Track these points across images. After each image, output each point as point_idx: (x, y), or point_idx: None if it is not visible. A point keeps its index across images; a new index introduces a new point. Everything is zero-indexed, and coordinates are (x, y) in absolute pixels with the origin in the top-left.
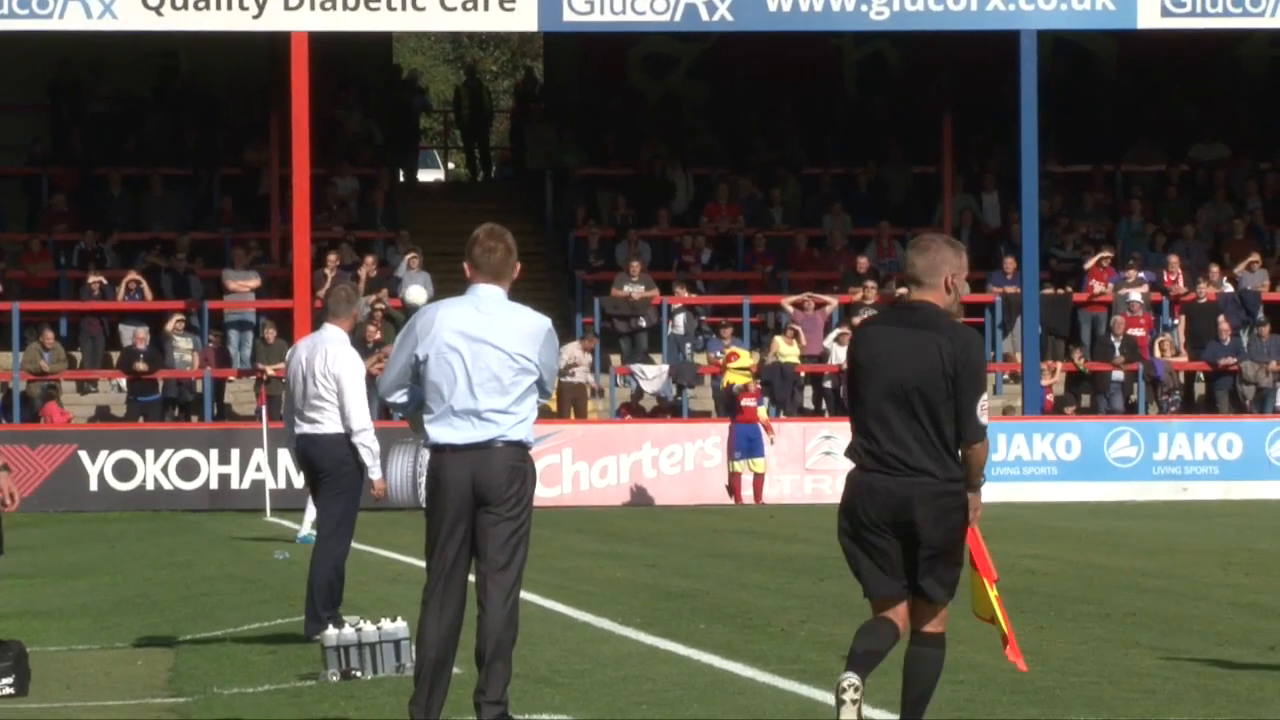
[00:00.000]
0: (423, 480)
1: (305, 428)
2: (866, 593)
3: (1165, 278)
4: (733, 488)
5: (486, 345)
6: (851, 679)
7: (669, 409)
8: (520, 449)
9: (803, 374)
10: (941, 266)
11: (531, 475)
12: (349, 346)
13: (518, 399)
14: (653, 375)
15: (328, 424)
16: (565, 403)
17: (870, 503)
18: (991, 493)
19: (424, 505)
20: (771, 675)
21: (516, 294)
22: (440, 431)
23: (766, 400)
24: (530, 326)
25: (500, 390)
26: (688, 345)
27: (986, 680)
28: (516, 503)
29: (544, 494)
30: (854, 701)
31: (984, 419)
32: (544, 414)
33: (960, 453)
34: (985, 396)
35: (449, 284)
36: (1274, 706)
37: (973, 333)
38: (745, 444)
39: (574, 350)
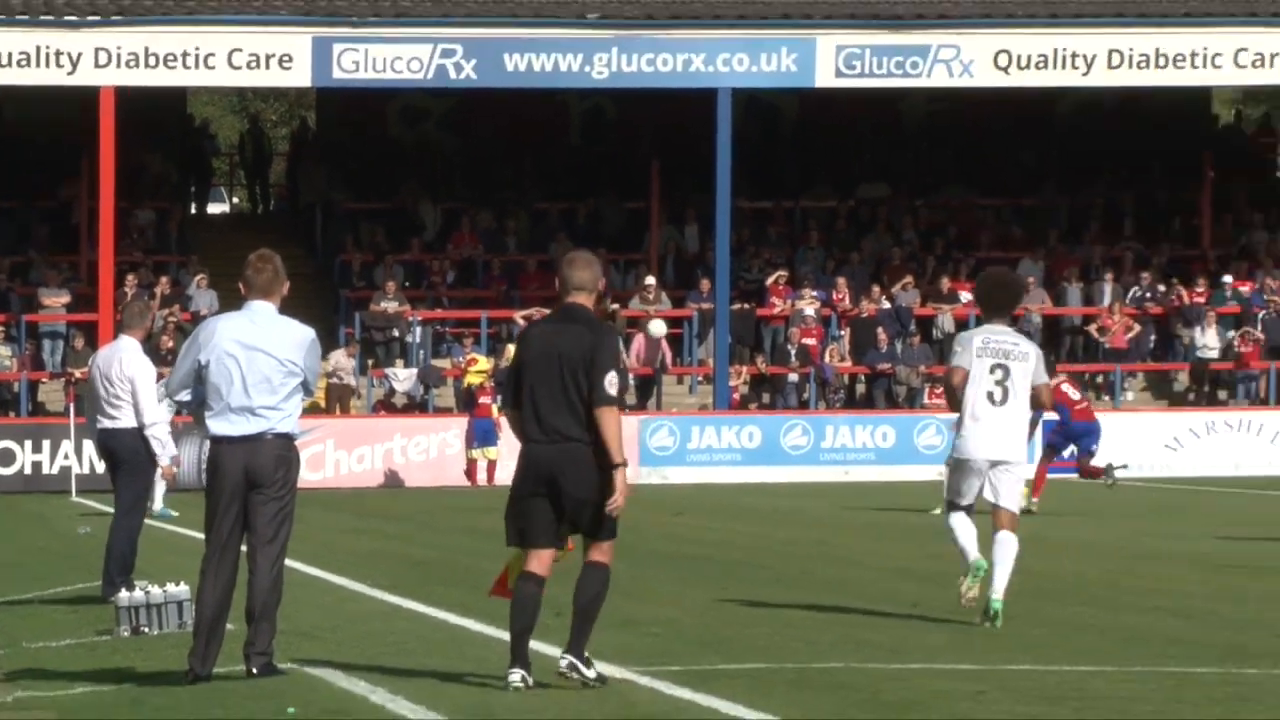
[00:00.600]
0: (205, 467)
1: (105, 423)
2: (525, 542)
3: (834, 296)
4: (470, 473)
5: (259, 352)
6: (516, 676)
7: (417, 406)
8: (287, 440)
9: None
10: (599, 277)
11: (296, 462)
12: (142, 354)
13: (285, 397)
14: (404, 377)
15: (124, 419)
16: (332, 400)
17: (532, 469)
18: (688, 476)
19: (204, 487)
20: (498, 629)
21: (289, 309)
22: (219, 425)
23: (499, 398)
24: (297, 336)
25: (271, 390)
26: (432, 352)
27: (676, 633)
28: (283, 485)
29: (308, 478)
30: (528, 687)
31: (611, 391)
32: (312, 409)
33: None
34: (614, 373)
35: (232, 300)
36: (910, 655)
37: (607, 326)
38: (481, 435)
39: (339, 356)
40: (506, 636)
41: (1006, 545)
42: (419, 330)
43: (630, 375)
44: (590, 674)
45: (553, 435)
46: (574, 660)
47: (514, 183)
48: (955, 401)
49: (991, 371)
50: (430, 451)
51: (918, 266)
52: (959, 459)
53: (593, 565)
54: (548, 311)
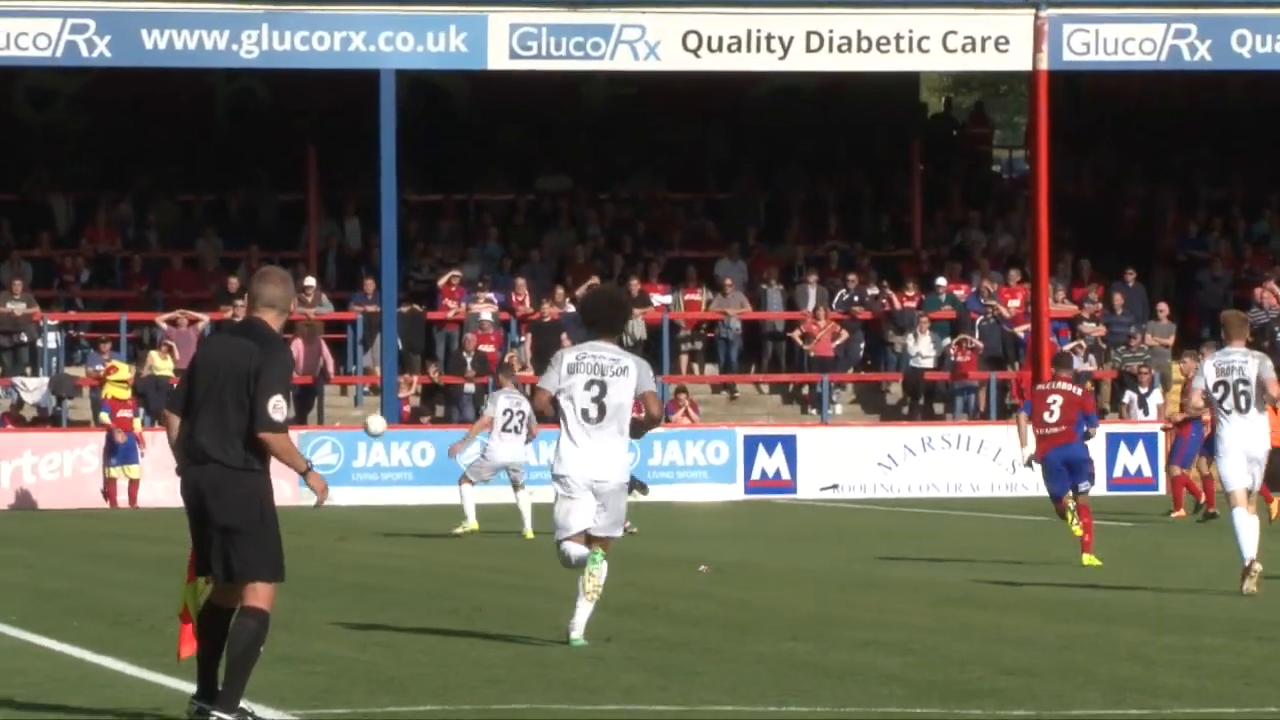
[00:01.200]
0: None
1: None
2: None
3: (514, 298)
4: (109, 493)
5: None
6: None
7: (49, 419)
8: None
9: (175, 385)
10: (292, 295)
11: None
12: None
13: None
14: (34, 387)
15: None
16: None
17: (183, 490)
18: (353, 496)
19: None
20: (140, 669)
21: None
22: None
23: (142, 411)
24: None
25: None
26: (66, 359)
27: (342, 671)
28: None
29: None
30: None
31: (276, 415)
32: None
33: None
34: (280, 397)
35: None
36: (605, 694)
37: (283, 344)
38: (122, 451)
39: None
40: (147, 675)
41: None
42: (51, 335)
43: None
44: None
45: (197, 455)
46: (210, 708)
47: (155, 171)
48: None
49: (587, 388)
50: (64, 469)
51: (604, 265)
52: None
53: (245, 612)
54: (198, 317)
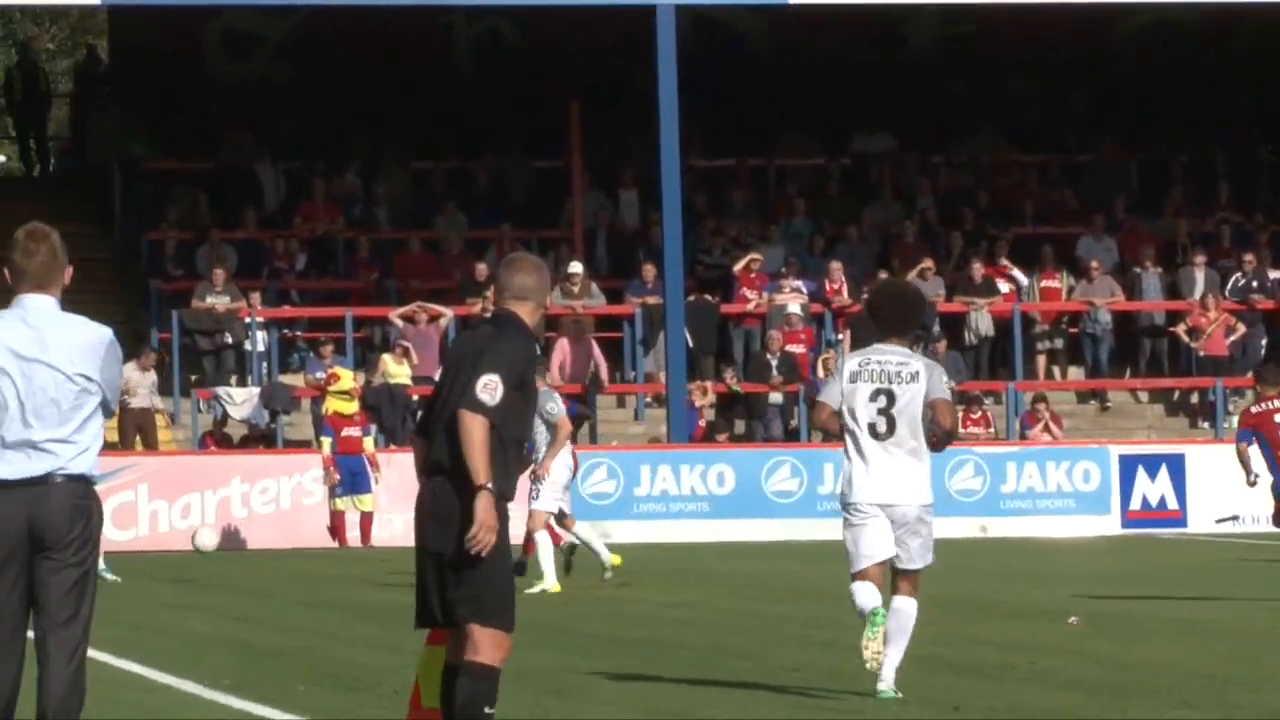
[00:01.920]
0: None
1: None
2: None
3: (827, 286)
4: (336, 529)
5: (41, 365)
6: None
7: (261, 438)
8: (83, 484)
9: (415, 397)
10: (547, 286)
11: (97, 514)
12: None
13: (79, 426)
14: (241, 399)
15: None
16: (129, 432)
17: (415, 517)
18: (635, 532)
19: None
20: None
21: (79, 306)
22: None
23: (374, 428)
24: (88, 340)
25: (59, 417)
26: (280, 365)
27: None
28: (81, 546)
29: (115, 537)
30: None
31: (483, 395)
32: (108, 445)
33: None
34: (495, 376)
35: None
36: None
37: (523, 329)
38: (349, 478)
39: (130, 371)
40: None
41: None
42: (260, 335)
43: (558, 397)
44: None
45: (430, 467)
46: None
47: (383, 134)
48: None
49: (873, 399)
50: (280, 500)
51: (938, 245)
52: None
53: (464, 670)
54: (439, 312)
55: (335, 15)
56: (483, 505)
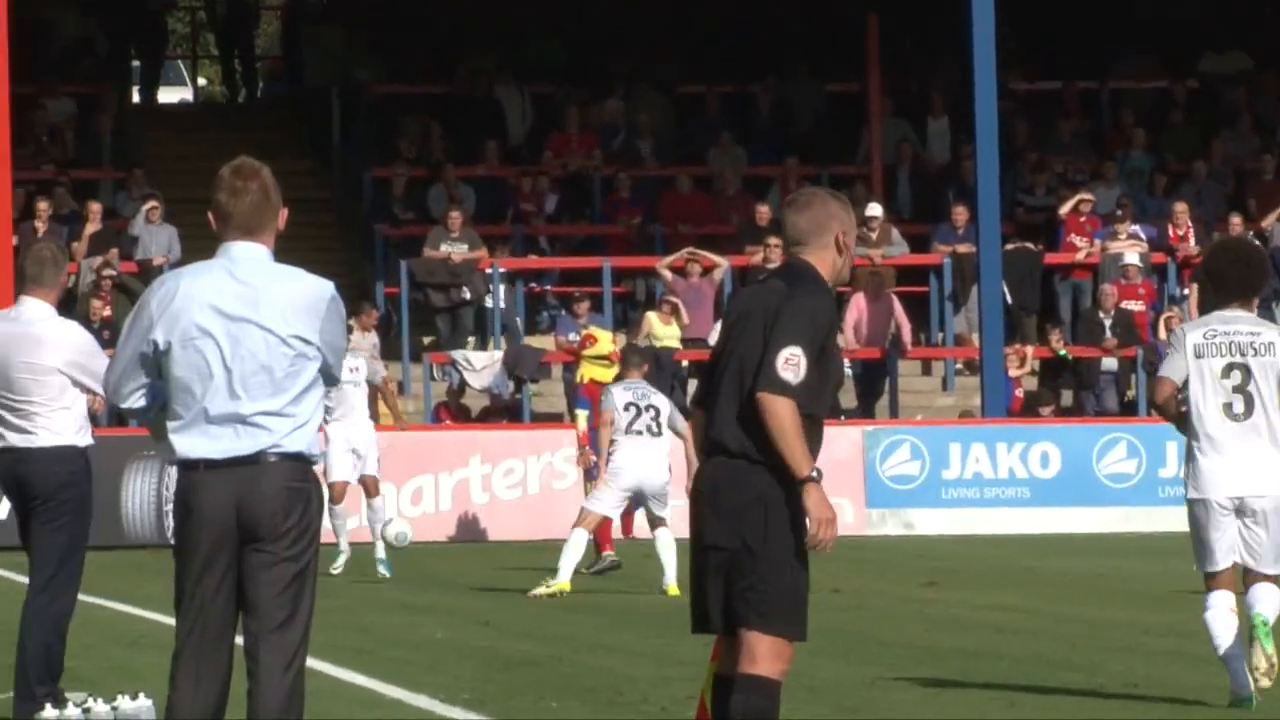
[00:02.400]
0: (170, 508)
1: (12, 439)
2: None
3: (1170, 232)
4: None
5: (251, 325)
6: None
7: (504, 410)
8: (301, 464)
9: (685, 362)
10: (829, 223)
11: (317, 499)
12: (68, 325)
13: (296, 397)
14: (481, 365)
15: (43, 434)
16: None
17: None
18: (942, 523)
19: (172, 540)
20: None
21: (291, 254)
22: (191, 443)
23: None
24: (306, 296)
25: (272, 386)
26: (526, 325)
27: None
28: (298, 537)
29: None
30: None
31: (786, 373)
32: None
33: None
34: (798, 349)
35: (203, 243)
36: None
37: (821, 284)
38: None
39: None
40: None
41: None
42: (503, 290)
43: (846, 362)
44: None
45: (709, 448)
46: None
47: (645, 54)
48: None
49: (1225, 374)
50: (528, 484)
51: None
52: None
53: (740, 685)
54: (714, 262)
55: None
56: (814, 499)
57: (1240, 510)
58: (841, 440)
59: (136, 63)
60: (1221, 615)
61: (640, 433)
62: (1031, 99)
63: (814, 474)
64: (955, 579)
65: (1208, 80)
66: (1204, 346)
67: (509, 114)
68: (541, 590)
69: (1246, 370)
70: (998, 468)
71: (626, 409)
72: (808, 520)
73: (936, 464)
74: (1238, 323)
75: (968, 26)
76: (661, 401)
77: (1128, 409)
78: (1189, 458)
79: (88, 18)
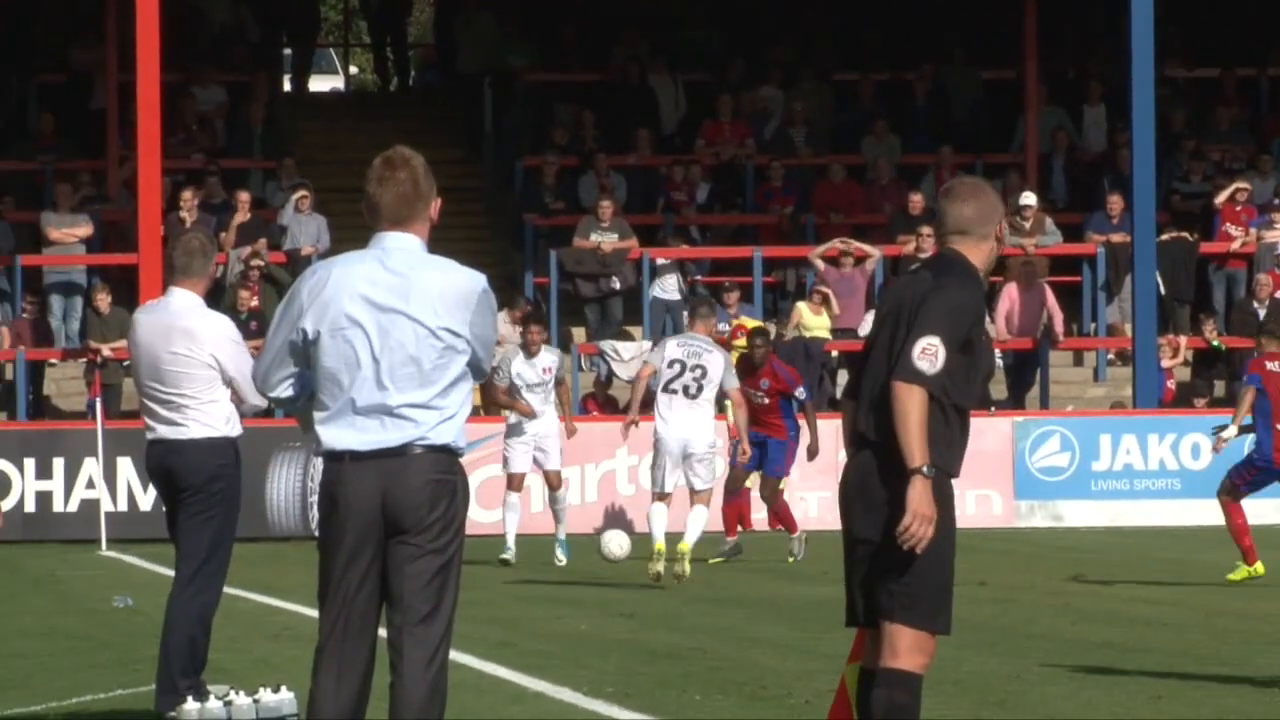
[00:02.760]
0: (314, 500)
1: (162, 430)
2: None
3: None
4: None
5: (400, 316)
6: None
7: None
8: (448, 456)
9: (835, 353)
10: (993, 214)
11: (463, 492)
12: (216, 318)
13: (444, 390)
14: (630, 356)
15: (193, 425)
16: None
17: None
18: (1092, 514)
19: (316, 532)
20: None
21: (442, 245)
22: (338, 433)
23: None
24: (458, 289)
25: (420, 378)
26: (679, 315)
27: None
28: (443, 530)
29: (480, 518)
30: None
31: (921, 363)
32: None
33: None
34: (936, 339)
35: (353, 233)
36: None
37: (971, 275)
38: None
39: (500, 325)
40: None
41: None
42: (668, 278)
43: (996, 352)
44: None
45: (856, 440)
46: None
47: (800, 40)
48: None
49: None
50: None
51: None
52: None
53: (881, 679)
54: (867, 252)
55: None
56: (917, 492)
57: None
58: (991, 432)
59: (288, 51)
60: None
61: (676, 392)
62: (1189, 86)
63: (924, 469)
64: (1103, 571)
65: None
66: None
67: (662, 102)
68: (658, 568)
69: None
70: (1148, 459)
71: (671, 365)
72: (906, 512)
73: (1086, 455)
74: None
75: (1127, 13)
76: (714, 361)
77: None
78: None
79: (239, 5)
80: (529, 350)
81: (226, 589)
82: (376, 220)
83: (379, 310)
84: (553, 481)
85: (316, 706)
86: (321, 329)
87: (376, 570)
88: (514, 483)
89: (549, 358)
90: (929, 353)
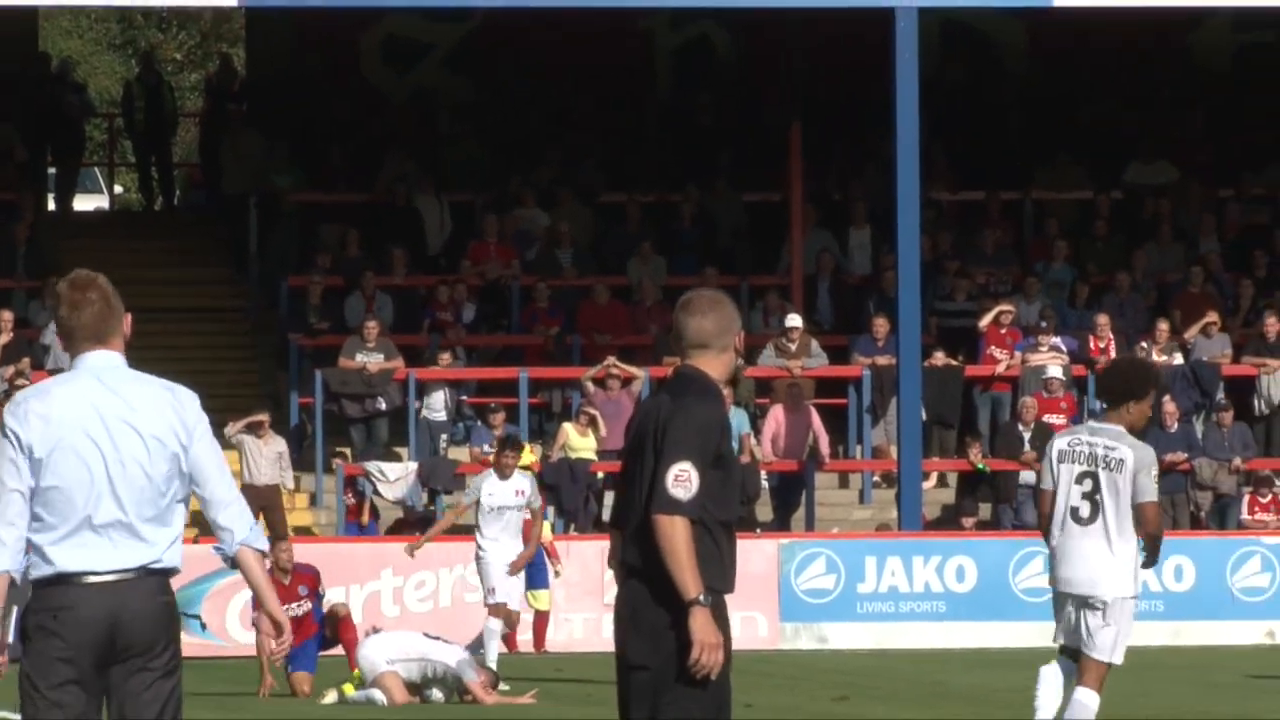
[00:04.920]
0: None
1: None
2: None
3: (1092, 344)
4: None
5: (131, 432)
6: None
7: (418, 521)
8: (167, 578)
9: (600, 474)
10: (733, 325)
11: (179, 613)
12: None
13: (169, 506)
14: (395, 477)
15: None
16: (255, 507)
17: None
18: (858, 636)
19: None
20: None
21: (207, 364)
22: (70, 555)
23: (552, 511)
24: (172, 399)
25: (156, 496)
26: (444, 436)
27: None
28: (175, 653)
29: (243, 639)
30: None
31: (676, 491)
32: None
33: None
34: (687, 464)
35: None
36: None
37: (706, 391)
38: (525, 570)
39: (253, 442)
40: None
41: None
42: (435, 398)
43: (762, 474)
44: None
45: (626, 570)
46: None
47: (567, 162)
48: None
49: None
50: (440, 596)
51: (1225, 296)
52: None
53: None
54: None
55: (516, 19)
56: (699, 623)
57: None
58: (756, 553)
59: (52, 170)
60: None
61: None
62: (954, 208)
63: (701, 597)
64: (868, 694)
65: (1132, 191)
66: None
67: (427, 222)
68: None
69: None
70: (914, 581)
71: (489, 496)
72: (694, 645)
73: (852, 577)
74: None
75: (892, 135)
76: (530, 487)
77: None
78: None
79: (3, 124)
80: (502, 472)
81: None
82: (76, 342)
83: (107, 427)
84: (510, 621)
85: None
86: (52, 446)
87: (97, 701)
88: (507, 619)
89: (522, 480)
90: (682, 479)
